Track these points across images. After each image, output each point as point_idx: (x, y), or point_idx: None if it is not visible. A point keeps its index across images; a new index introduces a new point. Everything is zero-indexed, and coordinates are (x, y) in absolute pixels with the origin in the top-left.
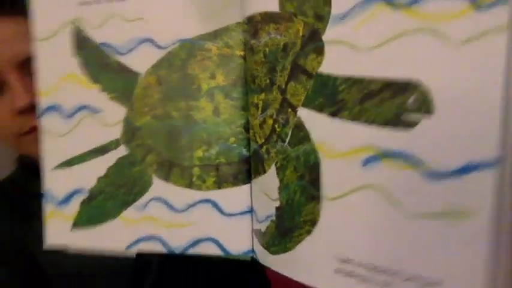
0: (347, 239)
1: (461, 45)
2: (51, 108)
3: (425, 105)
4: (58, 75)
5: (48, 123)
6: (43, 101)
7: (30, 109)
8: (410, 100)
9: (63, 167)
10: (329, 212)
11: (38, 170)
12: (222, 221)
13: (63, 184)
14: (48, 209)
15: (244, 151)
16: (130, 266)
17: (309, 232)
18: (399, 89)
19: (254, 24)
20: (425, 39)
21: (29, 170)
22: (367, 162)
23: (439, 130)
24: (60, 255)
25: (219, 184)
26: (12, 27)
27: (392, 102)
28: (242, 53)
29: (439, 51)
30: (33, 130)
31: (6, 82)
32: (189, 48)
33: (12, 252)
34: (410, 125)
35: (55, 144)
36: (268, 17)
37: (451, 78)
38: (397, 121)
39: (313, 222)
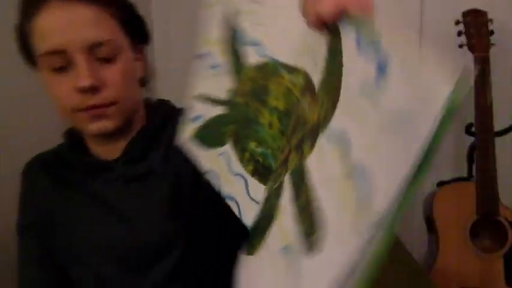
0: None
1: None
2: (207, 55)
3: None
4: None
5: (200, 65)
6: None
7: (91, 90)
8: None
9: (198, 98)
10: None
11: (83, 145)
12: (246, 200)
13: (196, 108)
14: (185, 120)
15: (272, 163)
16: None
17: None
18: None
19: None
20: None
21: (74, 144)
22: None
23: None
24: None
25: (253, 173)
26: (88, 13)
27: None
28: (299, 95)
29: None
30: (90, 108)
31: (73, 61)
32: (275, 68)
33: (47, 219)
34: None
35: (200, 80)
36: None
37: None
38: None
39: None
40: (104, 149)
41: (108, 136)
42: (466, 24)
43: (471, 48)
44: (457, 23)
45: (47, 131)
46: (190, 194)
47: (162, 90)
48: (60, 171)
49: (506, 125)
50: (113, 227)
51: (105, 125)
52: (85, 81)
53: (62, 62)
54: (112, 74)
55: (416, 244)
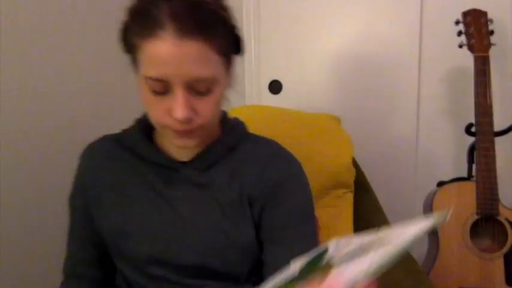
0: None
1: None
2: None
3: None
4: None
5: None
6: None
7: (183, 121)
8: None
9: None
10: None
11: (151, 131)
12: None
13: None
14: None
15: None
16: None
17: None
18: None
19: None
20: None
21: (143, 129)
22: None
23: None
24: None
25: None
26: (197, 49)
27: None
28: None
29: None
30: (180, 131)
31: (172, 90)
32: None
33: (101, 195)
34: None
35: None
36: None
37: None
38: None
39: None
40: (177, 150)
41: None
42: (466, 24)
43: (471, 48)
44: (457, 23)
45: (47, 131)
46: (245, 217)
47: None
48: (124, 155)
49: (506, 125)
50: (166, 221)
51: (189, 142)
52: (180, 115)
53: (162, 88)
54: (206, 105)
55: (416, 244)
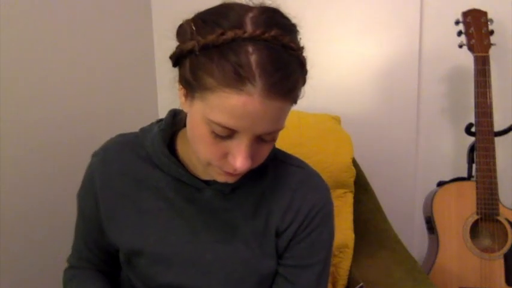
0: None
1: None
2: None
3: None
4: None
5: None
6: None
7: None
8: None
9: None
10: None
11: (171, 139)
12: None
13: None
14: None
15: None
16: None
17: None
18: None
19: None
20: None
21: (164, 137)
22: None
23: None
24: None
25: None
26: (279, 108)
27: None
28: None
29: None
30: (232, 174)
31: (237, 138)
32: None
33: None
34: None
35: None
36: None
37: None
38: None
39: None
40: (202, 168)
41: None
42: (466, 24)
43: (471, 48)
44: (457, 23)
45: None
46: (269, 248)
47: (165, 100)
48: (141, 163)
49: (506, 125)
50: (183, 241)
51: (232, 181)
52: (241, 166)
53: (226, 134)
54: (265, 151)
55: (416, 244)
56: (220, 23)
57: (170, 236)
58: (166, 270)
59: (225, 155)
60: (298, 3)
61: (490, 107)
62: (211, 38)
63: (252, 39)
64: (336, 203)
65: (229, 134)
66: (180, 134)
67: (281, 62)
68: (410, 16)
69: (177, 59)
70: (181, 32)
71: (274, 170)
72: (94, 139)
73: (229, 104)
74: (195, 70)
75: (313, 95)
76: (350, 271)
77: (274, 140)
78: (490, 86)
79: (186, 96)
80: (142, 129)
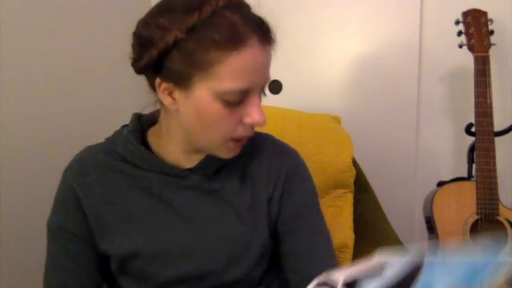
0: None
1: None
2: None
3: None
4: None
5: None
6: None
7: (254, 125)
8: None
9: None
10: None
11: (142, 139)
12: None
13: None
14: None
15: None
16: None
17: None
18: None
19: None
20: None
21: (137, 136)
22: None
23: None
24: None
25: None
26: (270, 55)
27: None
28: None
29: None
30: (241, 140)
31: (248, 98)
32: None
33: (101, 215)
34: None
35: None
36: None
37: None
38: None
39: None
40: (182, 155)
41: (195, 149)
42: (466, 24)
43: (471, 48)
44: (457, 23)
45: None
46: (261, 217)
47: None
48: (119, 166)
49: (506, 125)
50: (179, 232)
51: (235, 155)
52: (262, 119)
53: (239, 98)
54: (261, 107)
55: (416, 243)
56: (192, 4)
57: (163, 231)
58: (164, 267)
59: (239, 122)
60: (298, 3)
61: (490, 107)
62: (192, 19)
63: (226, 6)
64: (336, 203)
65: (241, 97)
66: (150, 133)
67: (256, 16)
68: (411, 16)
69: (155, 62)
70: (145, 37)
71: (247, 144)
72: (94, 139)
73: (240, 64)
74: (189, 55)
75: (313, 95)
76: None
77: (265, 94)
78: (490, 86)
79: (174, 92)
80: (109, 138)
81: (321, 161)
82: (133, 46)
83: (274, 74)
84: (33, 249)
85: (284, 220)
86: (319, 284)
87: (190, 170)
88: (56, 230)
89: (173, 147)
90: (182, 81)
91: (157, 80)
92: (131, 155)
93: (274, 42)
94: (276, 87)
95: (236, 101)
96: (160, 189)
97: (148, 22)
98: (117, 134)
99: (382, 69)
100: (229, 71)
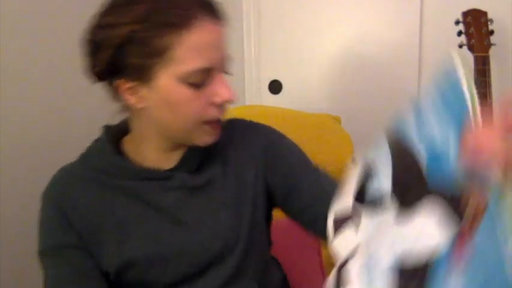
0: None
1: None
2: None
3: None
4: None
5: None
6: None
7: (224, 104)
8: None
9: None
10: None
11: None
12: None
13: None
14: None
15: None
16: None
17: None
18: None
19: None
20: None
21: (111, 147)
22: None
23: None
24: None
25: None
26: (224, 31)
27: None
28: None
29: None
30: (216, 122)
31: (212, 77)
32: None
33: (92, 231)
34: None
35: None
36: None
37: None
38: None
39: None
40: (161, 156)
41: (172, 146)
42: (466, 24)
43: (471, 48)
44: (457, 23)
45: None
46: (250, 204)
47: None
48: (101, 179)
49: None
50: (171, 234)
51: (215, 138)
52: (230, 95)
53: (202, 79)
54: (229, 85)
55: None
56: (131, 1)
57: (155, 236)
58: (162, 271)
59: (209, 103)
60: (298, 3)
61: (490, 107)
62: (138, 9)
63: None
64: None
65: (204, 77)
66: (125, 142)
67: None
68: (411, 16)
69: (112, 64)
70: (96, 41)
71: (223, 133)
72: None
73: (194, 42)
74: (144, 45)
75: (313, 95)
76: None
77: (230, 73)
78: (490, 86)
79: (137, 89)
80: (83, 155)
81: (321, 161)
82: (86, 54)
83: (274, 74)
84: (33, 249)
85: (280, 185)
86: (337, 221)
87: (172, 169)
88: (53, 251)
89: (151, 150)
90: (143, 74)
91: (118, 82)
92: (109, 166)
93: (223, 19)
94: (276, 87)
95: (200, 81)
96: (147, 194)
97: (95, 26)
98: (91, 148)
99: (382, 69)
100: (186, 52)
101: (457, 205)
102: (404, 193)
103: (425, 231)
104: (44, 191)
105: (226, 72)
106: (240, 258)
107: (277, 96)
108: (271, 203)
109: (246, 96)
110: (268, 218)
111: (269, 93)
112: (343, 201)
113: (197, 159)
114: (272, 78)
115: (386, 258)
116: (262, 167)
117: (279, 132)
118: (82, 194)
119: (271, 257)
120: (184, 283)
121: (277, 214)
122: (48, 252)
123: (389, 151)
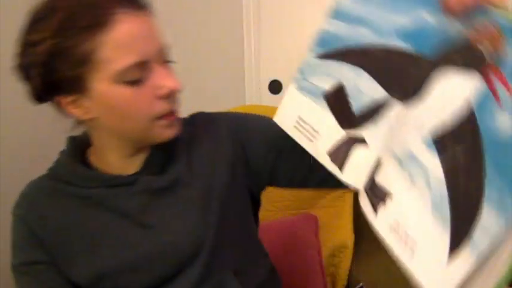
0: None
1: None
2: None
3: None
4: None
5: None
6: None
7: (174, 93)
8: None
9: None
10: None
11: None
12: None
13: None
14: None
15: None
16: None
17: None
18: None
19: None
20: None
21: (74, 157)
22: None
23: None
24: None
25: None
26: (152, 20)
27: None
28: None
29: None
30: (171, 114)
31: (151, 71)
32: None
33: (62, 244)
34: None
35: None
36: None
37: None
38: None
39: None
40: (125, 162)
41: (135, 149)
42: None
43: None
44: None
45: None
46: (219, 198)
47: None
48: (68, 190)
49: None
50: (140, 239)
51: (176, 131)
52: (173, 84)
53: (139, 74)
54: (175, 75)
55: None
56: (45, 10)
57: (125, 244)
58: (137, 277)
59: (155, 98)
60: (299, 3)
61: None
62: (52, 21)
63: None
64: (336, 203)
65: (141, 73)
66: (90, 153)
67: None
68: None
69: (47, 82)
70: (25, 64)
71: (184, 130)
72: None
73: (117, 39)
74: (68, 55)
75: None
76: (350, 271)
77: (172, 61)
78: None
79: (78, 101)
80: (51, 168)
81: None
82: (23, 80)
83: (274, 74)
84: None
85: (264, 154)
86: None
87: (136, 174)
88: (24, 267)
89: (114, 158)
90: (78, 85)
91: (58, 98)
92: (74, 177)
93: (147, 8)
94: (276, 87)
95: (138, 77)
96: (114, 202)
97: (20, 48)
98: (58, 160)
99: None
100: (112, 51)
101: (471, 47)
102: (404, 85)
103: (451, 93)
104: (13, 208)
105: (168, 61)
106: (211, 251)
107: (277, 96)
108: (257, 186)
109: (246, 96)
110: (254, 203)
111: (269, 93)
112: (331, 139)
113: (161, 160)
114: (272, 78)
115: (418, 142)
116: (238, 150)
117: (241, 112)
118: (50, 207)
119: (257, 246)
120: (161, 286)
121: (277, 215)
122: (19, 268)
123: (352, 67)
